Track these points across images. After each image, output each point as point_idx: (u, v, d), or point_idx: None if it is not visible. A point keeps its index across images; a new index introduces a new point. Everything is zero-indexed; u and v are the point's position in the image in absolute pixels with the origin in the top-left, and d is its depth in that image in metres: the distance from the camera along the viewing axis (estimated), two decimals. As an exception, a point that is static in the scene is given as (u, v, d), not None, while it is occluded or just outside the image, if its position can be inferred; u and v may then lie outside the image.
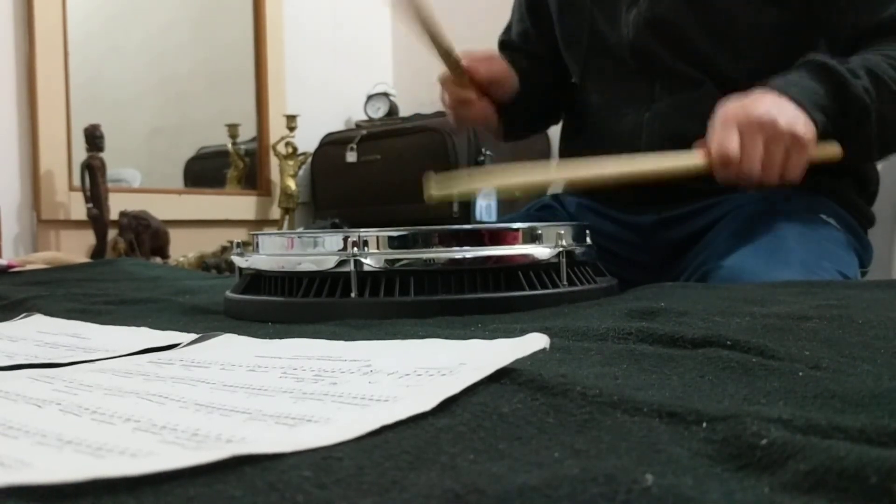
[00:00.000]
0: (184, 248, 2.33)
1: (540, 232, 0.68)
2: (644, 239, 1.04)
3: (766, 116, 0.80)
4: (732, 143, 0.80)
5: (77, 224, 2.24)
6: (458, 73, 1.00)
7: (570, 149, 1.17)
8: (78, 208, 2.22)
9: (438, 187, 0.75)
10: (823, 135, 0.83)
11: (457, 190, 0.79)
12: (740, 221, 0.93)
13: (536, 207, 1.20)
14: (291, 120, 2.67)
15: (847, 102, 0.84)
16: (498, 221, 2.11)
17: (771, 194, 0.95)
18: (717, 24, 0.97)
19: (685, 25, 0.98)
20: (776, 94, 0.82)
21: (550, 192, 1.24)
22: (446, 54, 0.97)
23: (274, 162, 2.73)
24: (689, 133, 0.90)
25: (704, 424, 0.28)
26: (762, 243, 0.88)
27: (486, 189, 0.82)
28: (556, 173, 0.96)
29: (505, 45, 1.25)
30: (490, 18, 1.29)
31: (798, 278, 0.81)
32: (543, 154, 2.42)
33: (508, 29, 1.25)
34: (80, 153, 2.22)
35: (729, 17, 0.97)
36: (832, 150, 0.86)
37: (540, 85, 1.16)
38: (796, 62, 0.88)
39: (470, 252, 0.64)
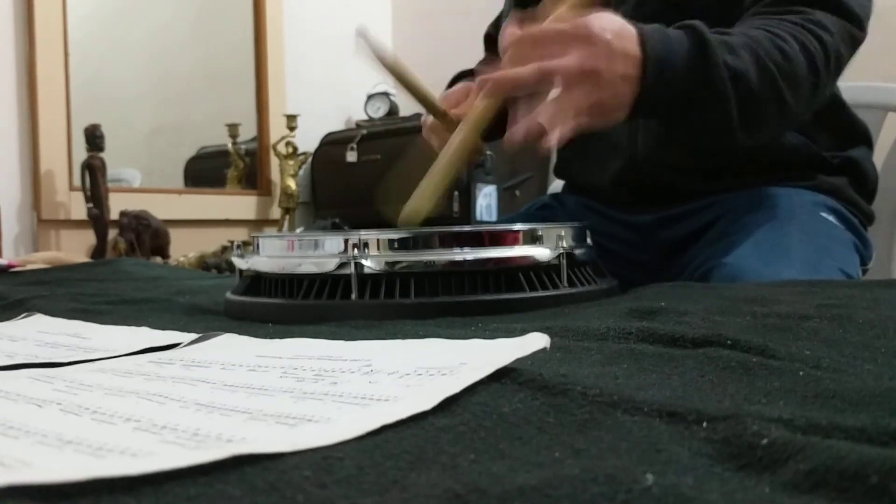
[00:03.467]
0: (184, 247, 2.33)
1: (540, 233, 0.68)
2: (643, 238, 1.04)
3: (591, 57, 0.67)
4: (532, 54, 0.68)
5: (77, 224, 2.24)
6: (442, 118, 1.00)
7: (568, 153, 1.17)
8: (78, 208, 2.22)
9: (409, 214, 0.71)
10: (654, 82, 0.71)
11: (423, 206, 0.74)
12: (740, 220, 0.93)
13: (536, 207, 1.20)
14: (292, 120, 2.67)
15: (708, 66, 0.73)
16: (498, 221, 2.11)
17: (770, 193, 0.95)
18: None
19: (667, 22, 0.96)
20: (640, 31, 0.71)
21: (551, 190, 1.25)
22: (426, 102, 0.94)
23: (274, 162, 2.74)
24: (686, 155, 0.89)
25: (705, 424, 0.28)
26: (763, 241, 0.88)
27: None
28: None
29: (491, 38, 1.23)
30: (488, 15, 1.29)
31: (799, 276, 0.80)
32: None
33: (497, 22, 1.23)
34: (81, 153, 2.22)
35: (712, 18, 0.95)
36: None
37: None
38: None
39: (470, 254, 0.64)
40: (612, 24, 0.70)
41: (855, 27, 0.85)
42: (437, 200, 0.74)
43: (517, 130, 0.69)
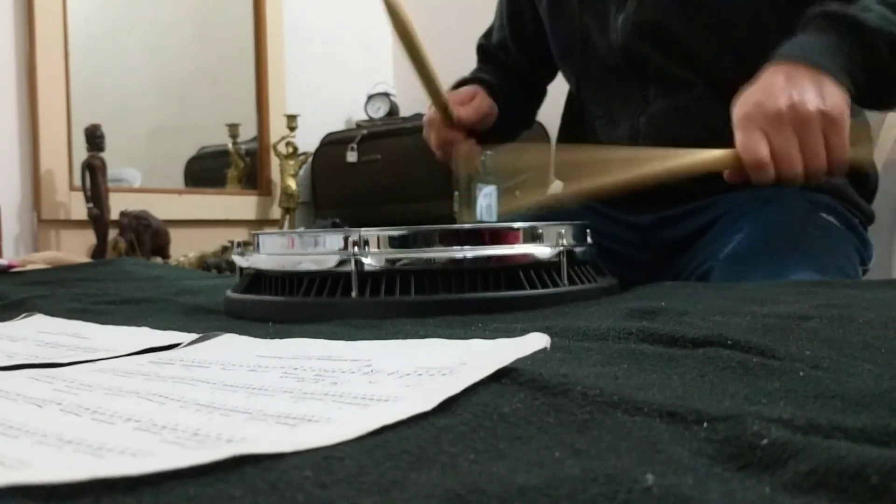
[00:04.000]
0: (184, 247, 2.33)
1: (541, 231, 0.68)
2: (644, 238, 1.04)
3: (787, 104, 0.72)
4: (761, 148, 0.73)
5: (77, 224, 2.24)
6: (446, 114, 1.01)
7: (567, 170, 1.17)
8: (78, 208, 2.22)
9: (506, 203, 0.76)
10: (860, 92, 0.75)
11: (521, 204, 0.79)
12: (740, 220, 0.93)
13: (536, 206, 1.20)
14: (292, 120, 2.67)
15: (871, 42, 0.76)
16: (498, 220, 2.11)
17: (770, 193, 0.95)
18: (706, 23, 0.95)
19: (674, 26, 0.96)
20: (788, 66, 0.75)
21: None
22: (436, 96, 0.98)
23: (274, 162, 2.74)
24: (686, 137, 0.89)
25: (705, 424, 0.28)
26: (762, 241, 0.88)
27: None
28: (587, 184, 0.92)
29: (484, 49, 1.25)
30: (487, 17, 1.29)
31: (799, 276, 0.80)
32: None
33: (489, 34, 1.25)
34: (81, 153, 2.22)
35: (718, 14, 0.95)
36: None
37: (515, 97, 1.17)
38: (799, 22, 0.80)
39: (471, 251, 0.64)
40: (799, 93, 0.73)
41: None
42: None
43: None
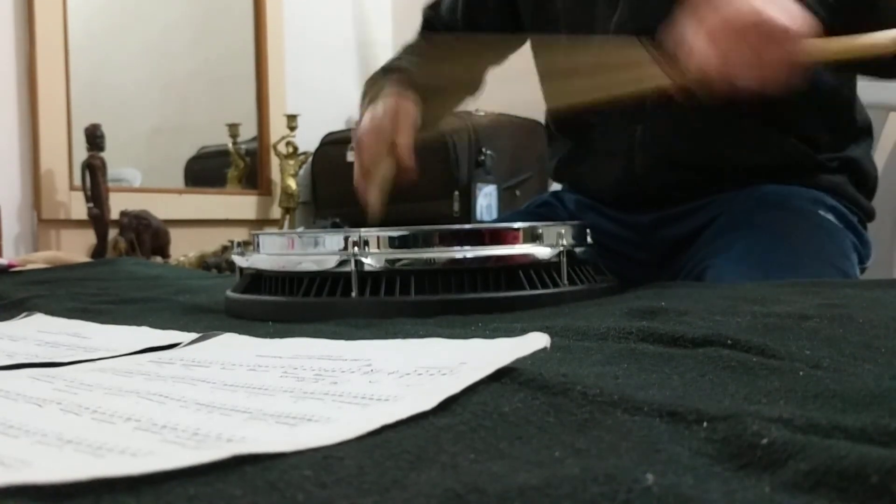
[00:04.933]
0: (184, 247, 2.33)
1: (541, 231, 0.68)
2: (643, 237, 1.04)
3: (751, 21, 0.69)
4: (711, 59, 0.70)
5: (77, 223, 2.24)
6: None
7: (564, 170, 1.16)
8: (78, 208, 2.22)
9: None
10: (827, 25, 0.72)
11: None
12: (737, 219, 0.93)
13: (536, 204, 1.20)
14: (292, 119, 2.67)
15: None
16: (498, 220, 2.11)
17: (769, 192, 0.95)
18: None
19: (670, 22, 0.94)
20: None
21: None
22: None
23: (274, 161, 2.73)
24: (684, 152, 0.88)
25: (705, 424, 0.28)
26: (758, 242, 0.88)
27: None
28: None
29: (430, 22, 1.20)
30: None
31: (796, 276, 0.80)
32: (542, 150, 2.41)
33: (437, 5, 1.19)
34: (81, 153, 2.22)
35: None
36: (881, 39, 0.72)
37: (453, 73, 1.12)
38: None
39: (471, 252, 0.64)
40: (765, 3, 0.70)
41: None
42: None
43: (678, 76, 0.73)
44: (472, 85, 1.19)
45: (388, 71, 1.10)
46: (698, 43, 0.71)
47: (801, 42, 0.70)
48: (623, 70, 0.80)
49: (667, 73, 0.75)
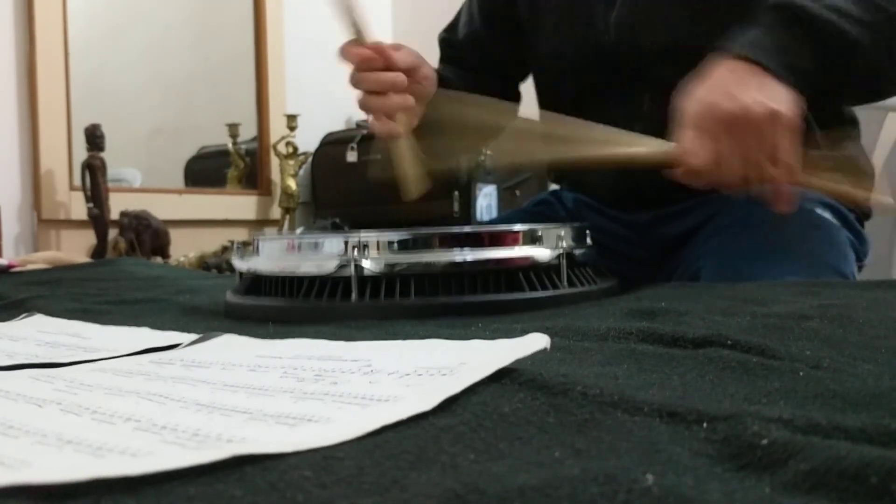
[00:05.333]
0: (184, 247, 2.33)
1: (540, 234, 0.68)
2: (641, 235, 1.04)
3: (734, 108, 0.70)
4: (701, 153, 0.72)
5: (77, 224, 2.24)
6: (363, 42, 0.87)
7: (563, 171, 1.16)
8: (78, 208, 2.22)
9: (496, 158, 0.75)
10: (812, 87, 0.73)
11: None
12: (734, 217, 0.93)
13: (535, 203, 1.20)
14: (292, 119, 2.67)
15: (818, 36, 0.74)
16: (497, 219, 2.11)
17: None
18: (707, 17, 0.91)
19: (671, 21, 0.93)
20: (735, 64, 0.73)
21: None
22: (361, 36, 0.87)
23: (274, 162, 2.73)
24: None
25: (705, 424, 0.28)
26: (753, 240, 0.88)
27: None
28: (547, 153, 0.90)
29: (448, 43, 1.18)
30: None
31: (792, 274, 0.80)
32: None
33: (453, 28, 1.18)
34: (81, 153, 2.22)
35: (717, 14, 0.92)
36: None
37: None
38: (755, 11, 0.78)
39: (470, 254, 0.64)
40: (749, 95, 0.71)
41: None
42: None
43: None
44: (492, 131, 1.11)
45: None
46: (688, 138, 0.73)
47: (790, 132, 0.71)
48: (624, 147, 0.82)
49: (666, 161, 0.77)
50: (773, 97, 0.71)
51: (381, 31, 3.01)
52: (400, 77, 0.87)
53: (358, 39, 0.85)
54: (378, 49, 0.87)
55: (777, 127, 0.71)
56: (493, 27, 1.14)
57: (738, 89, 0.72)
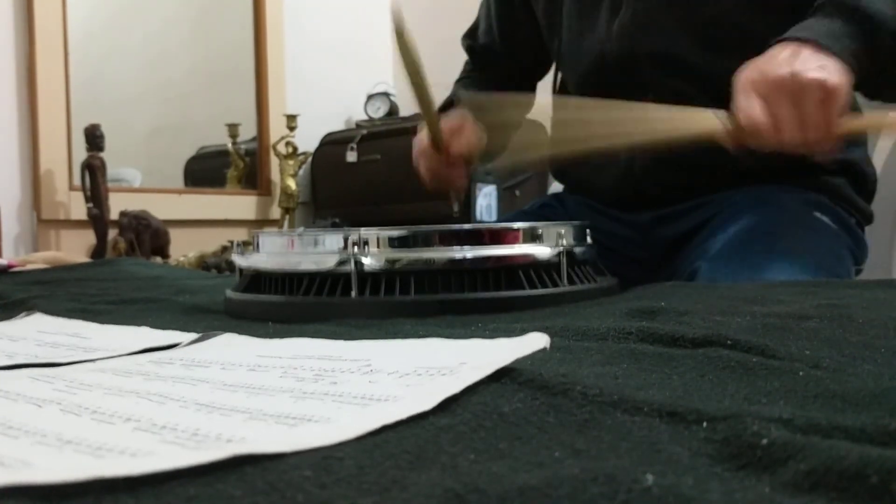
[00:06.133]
0: (184, 247, 2.33)
1: (540, 231, 0.68)
2: (642, 236, 1.04)
3: (787, 73, 0.74)
4: (756, 112, 0.75)
5: (77, 224, 2.24)
6: (437, 145, 1.00)
7: (566, 170, 1.16)
8: (78, 208, 2.22)
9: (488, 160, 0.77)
10: (862, 77, 0.78)
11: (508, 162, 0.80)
12: (732, 218, 0.93)
13: (537, 206, 1.20)
14: (291, 119, 2.67)
15: (875, 31, 0.79)
16: (498, 220, 2.11)
17: (766, 192, 0.95)
18: (703, 30, 0.94)
19: (669, 32, 0.95)
20: (795, 43, 0.77)
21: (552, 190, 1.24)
22: (433, 125, 0.98)
23: (274, 161, 2.74)
24: (683, 156, 0.88)
25: (705, 424, 0.28)
26: (750, 240, 0.88)
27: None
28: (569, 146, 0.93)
29: (473, 50, 1.25)
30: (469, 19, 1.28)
31: (789, 276, 0.80)
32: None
33: (473, 33, 1.25)
34: (81, 153, 2.22)
35: (716, 23, 0.93)
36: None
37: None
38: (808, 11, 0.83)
39: (470, 252, 0.64)
40: (801, 63, 0.75)
41: None
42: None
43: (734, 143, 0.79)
44: (527, 104, 1.22)
45: (447, 106, 1.15)
46: (743, 99, 0.77)
47: (840, 98, 0.75)
48: (656, 122, 0.85)
49: (717, 125, 0.80)
50: (824, 66, 0.75)
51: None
52: (456, 172, 1.05)
53: (422, 106, 0.95)
54: (447, 155, 1.02)
55: (828, 92, 0.74)
56: (509, 41, 1.19)
57: (790, 59, 0.76)
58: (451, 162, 1.03)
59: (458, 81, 1.24)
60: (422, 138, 1.05)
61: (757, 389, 0.34)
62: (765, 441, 0.25)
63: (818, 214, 0.94)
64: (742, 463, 0.24)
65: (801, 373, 0.36)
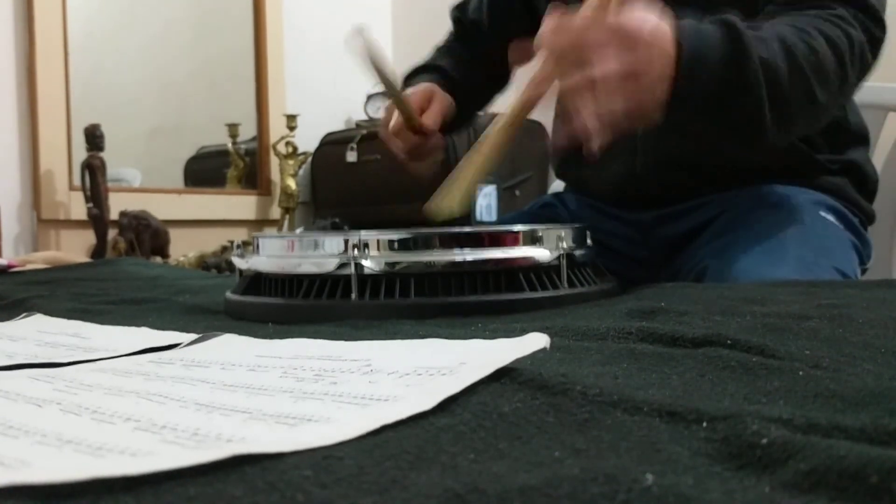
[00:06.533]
0: (184, 247, 2.33)
1: (540, 234, 0.68)
2: (643, 235, 1.04)
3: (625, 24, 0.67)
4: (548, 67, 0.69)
5: (77, 224, 2.24)
6: (409, 120, 0.99)
7: (567, 169, 1.16)
8: (78, 208, 2.22)
9: (439, 207, 0.74)
10: (706, 83, 0.71)
11: (454, 203, 0.76)
12: (738, 218, 0.93)
13: (538, 206, 1.20)
14: (291, 119, 2.67)
15: (742, 62, 0.72)
16: (498, 221, 2.11)
17: (770, 192, 0.95)
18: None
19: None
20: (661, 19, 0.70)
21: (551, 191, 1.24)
22: (401, 105, 0.97)
23: (274, 161, 2.74)
24: (686, 155, 0.88)
25: (705, 424, 0.28)
26: (758, 241, 0.88)
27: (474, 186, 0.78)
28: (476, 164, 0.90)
29: (460, 22, 1.23)
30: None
31: (794, 276, 0.80)
32: (542, 150, 2.41)
33: (465, 5, 1.22)
34: (81, 153, 2.22)
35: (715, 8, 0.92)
36: None
37: (475, 88, 1.15)
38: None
39: (470, 254, 0.64)
40: (648, 23, 0.68)
41: (875, 25, 0.83)
42: (467, 198, 0.75)
43: (561, 137, 0.71)
44: (502, 82, 1.21)
45: (422, 70, 1.14)
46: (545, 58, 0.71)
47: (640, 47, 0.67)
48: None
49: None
50: (646, 19, 0.68)
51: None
52: (433, 142, 1.02)
53: (390, 92, 0.94)
54: (415, 129, 0.99)
55: (627, 35, 0.67)
56: (497, 25, 1.17)
57: (640, 23, 0.68)
58: (427, 134, 1.01)
59: (439, 49, 1.22)
60: (387, 119, 1.03)
61: (757, 389, 0.34)
62: (765, 441, 0.25)
63: (824, 214, 0.94)
64: (742, 463, 0.24)
65: (800, 373, 0.36)
